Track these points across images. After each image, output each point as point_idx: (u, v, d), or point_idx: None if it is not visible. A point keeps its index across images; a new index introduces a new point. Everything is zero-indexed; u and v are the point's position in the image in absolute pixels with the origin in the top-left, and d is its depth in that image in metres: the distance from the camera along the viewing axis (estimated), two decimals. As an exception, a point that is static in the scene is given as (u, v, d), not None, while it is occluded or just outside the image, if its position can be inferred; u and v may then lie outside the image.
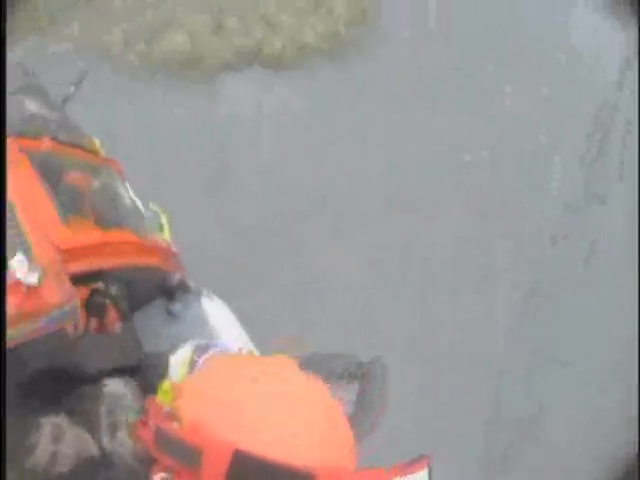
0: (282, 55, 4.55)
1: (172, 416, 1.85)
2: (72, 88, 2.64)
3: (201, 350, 2.12)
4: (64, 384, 2.19)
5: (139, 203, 2.47)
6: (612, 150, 4.23)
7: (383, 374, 2.29)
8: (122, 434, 2.15)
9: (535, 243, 3.93)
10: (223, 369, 1.94)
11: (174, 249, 2.48)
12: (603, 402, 3.52)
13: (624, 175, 4.09)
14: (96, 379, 2.19)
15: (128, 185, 2.49)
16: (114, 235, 2.18)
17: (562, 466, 3.39)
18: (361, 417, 2.21)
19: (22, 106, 2.51)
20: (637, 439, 3.15)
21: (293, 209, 3.93)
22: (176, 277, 2.48)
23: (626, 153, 4.18)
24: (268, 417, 1.74)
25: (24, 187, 2.02)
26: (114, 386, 2.21)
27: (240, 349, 2.42)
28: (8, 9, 2.81)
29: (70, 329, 1.87)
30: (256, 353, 2.39)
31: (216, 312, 2.53)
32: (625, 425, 3.35)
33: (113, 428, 2.14)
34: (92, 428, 2.14)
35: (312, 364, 2.18)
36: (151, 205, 2.51)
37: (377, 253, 3.84)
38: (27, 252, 1.83)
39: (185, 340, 2.46)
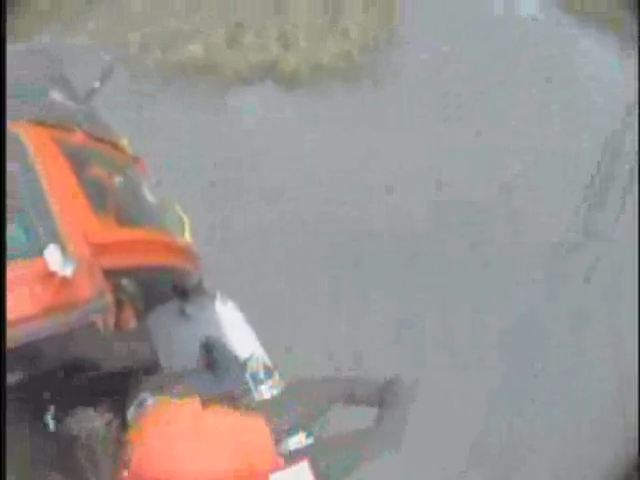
0: (296, 73, 4.61)
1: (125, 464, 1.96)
2: (97, 82, 2.64)
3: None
4: (75, 380, 2.19)
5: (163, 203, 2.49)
6: (615, 185, 4.38)
7: (403, 398, 2.35)
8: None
9: (529, 276, 4.04)
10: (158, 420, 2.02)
11: (195, 251, 2.51)
12: (603, 402, 3.64)
13: (626, 210, 4.22)
14: (107, 376, 2.19)
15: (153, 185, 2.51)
16: (144, 233, 2.19)
17: (562, 466, 3.48)
18: (380, 437, 2.27)
19: (46, 95, 2.50)
20: (637, 439, 3.21)
21: (297, 222, 3.99)
22: (193, 279, 2.51)
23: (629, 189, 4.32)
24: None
25: (56, 178, 2.01)
26: (87, 421, 2.17)
27: (251, 354, 2.46)
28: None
29: (100, 324, 1.86)
30: (266, 359, 2.43)
31: (229, 316, 2.55)
32: (625, 425, 3.45)
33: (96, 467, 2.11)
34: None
35: (327, 388, 2.24)
36: (176, 207, 2.54)
37: (386, 269, 3.93)
38: (61, 243, 1.82)
39: (196, 341, 2.50)
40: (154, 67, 4.55)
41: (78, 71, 2.75)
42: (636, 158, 4.33)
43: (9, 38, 2.47)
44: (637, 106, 4.45)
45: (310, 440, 2.19)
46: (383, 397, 2.36)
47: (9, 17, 2.77)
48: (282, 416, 2.12)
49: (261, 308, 3.41)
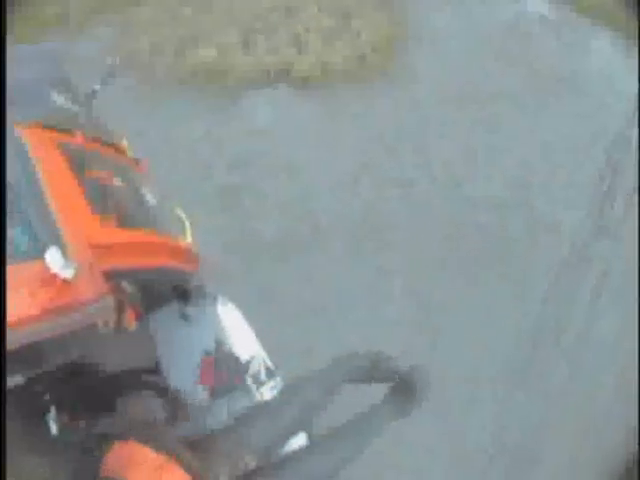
0: (309, 76, 4.62)
1: None
2: (98, 85, 2.64)
3: None
4: (77, 382, 2.19)
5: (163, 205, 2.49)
6: (623, 184, 4.38)
7: (419, 384, 2.37)
8: None
9: (541, 281, 4.04)
10: None
11: (196, 253, 2.51)
12: (603, 401, 3.66)
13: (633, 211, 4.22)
14: (110, 379, 2.19)
15: (154, 187, 2.51)
16: (144, 235, 2.19)
17: (561, 466, 3.49)
18: (388, 410, 2.30)
19: (48, 96, 2.50)
20: (637, 439, 3.23)
21: (310, 227, 4.00)
22: (194, 281, 2.50)
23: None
24: None
25: (57, 179, 2.01)
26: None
27: (253, 355, 2.47)
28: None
29: (102, 325, 1.86)
30: (268, 360, 2.44)
31: (230, 319, 2.55)
32: (625, 426, 3.47)
33: None
34: None
35: (341, 363, 2.25)
36: (176, 209, 2.55)
37: (392, 272, 3.93)
38: (61, 245, 1.82)
39: (197, 343, 2.50)
40: (166, 72, 4.58)
41: (83, 74, 2.75)
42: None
43: (11, 40, 2.47)
44: (637, 105, 4.48)
45: (310, 440, 2.20)
46: (395, 383, 2.39)
47: (15, 22, 2.76)
48: (281, 418, 2.12)
49: (277, 311, 3.45)
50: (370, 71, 4.77)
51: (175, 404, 2.48)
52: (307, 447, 2.25)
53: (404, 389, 2.41)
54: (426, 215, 4.22)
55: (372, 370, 2.46)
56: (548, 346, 3.87)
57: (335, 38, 4.85)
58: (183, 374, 2.43)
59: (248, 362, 2.45)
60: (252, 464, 2.04)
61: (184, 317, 2.55)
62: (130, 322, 2.24)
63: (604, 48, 4.92)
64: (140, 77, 4.50)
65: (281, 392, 2.32)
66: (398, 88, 4.70)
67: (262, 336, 2.62)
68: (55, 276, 1.77)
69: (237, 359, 2.44)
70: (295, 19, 4.89)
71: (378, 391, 2.47)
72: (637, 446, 3.11)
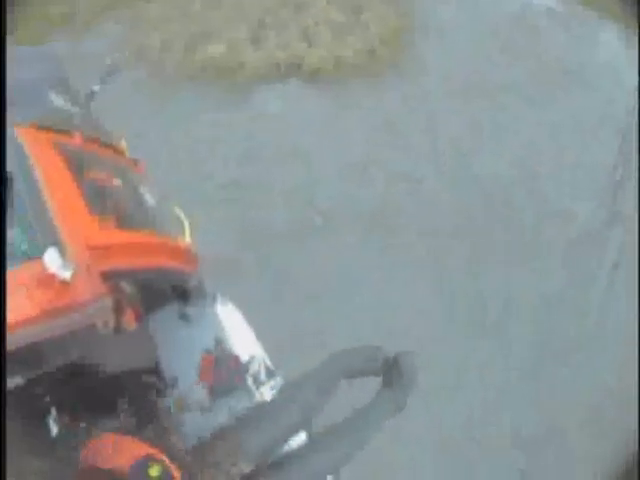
0: (320, 70, 4.63)
1: None
2: (98, 85, 2.64)
3: None
4: (77, 383, 2.19)
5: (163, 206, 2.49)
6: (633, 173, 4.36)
7: (409, 371, 2.37)
8: None
9: (554, 267, 4.03)
10: None
11: (195, 253, 2.50)
12: (604, 401, 3.66)
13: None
14: (110, 380, 2.19)
15: (153, 187, 2.51)
16: (143, 235, 2.19)
17: (562, 466, 3.49)
18: (382, 405, 2.31)
19: (46, 97, 2.50)
20: (637, 439, 3.22)
21: (322, 217, 4.01)
22: (193, 281, 2.50)
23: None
24: None
25: (55, 180, 2.01)
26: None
27: (252, 355, 2.47)
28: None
29: (101, 326, 1.86)
30: (268, 361, 2.43)
31: (229, 318, 2.55)
32: (625, 425, 3.46)
33: None
34: None
35: (335, 361, 2.26)
36: (175, 210, 2.55)
37: (401, 259, 3.93)
38: (60, 246, 1.82)
39: (197, 344, 2.50)
40: (175, 68, 4.59)
41: (89, 71, 2.75)
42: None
43: (12, 40, 2.47)
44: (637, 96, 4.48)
45: (309, 438, 2.20)
46: (387, 371, 2.39)
47: (23, 22, 2.76)
48: (280, 419, 2.11)
49: (287, 304, 3.45)
50: (379, 64, 4.81)
51: (176, 403, 2.48)
52: (306, 444, 2.25)
53: (395, 377, 2.40)
54: (435, 205, 4.24)
55: (366, 364, 2.46)
56: (556, 337, 3.86)
57: (345, 32, 4.88)
58: (183, 374, 2.44)
59: (248, 362, 2.45)
60: (247, 470, 2.04)
61: (184, 317, 2.56)
62: (130, 322, 2.24)
63: (611, 41, 4.91)
64: (150, 72, 4.52)
65: (280, 391, 2.32)
66: (407, 81, 4.72)
67: (277, 320, 2.62)
68: (53, 277, 1.78)
69: (237, 359, 2.45)
70: (305, 13, 4.92)
71: (375, 387, 2.46)
72: (637, 447, 3.10)
